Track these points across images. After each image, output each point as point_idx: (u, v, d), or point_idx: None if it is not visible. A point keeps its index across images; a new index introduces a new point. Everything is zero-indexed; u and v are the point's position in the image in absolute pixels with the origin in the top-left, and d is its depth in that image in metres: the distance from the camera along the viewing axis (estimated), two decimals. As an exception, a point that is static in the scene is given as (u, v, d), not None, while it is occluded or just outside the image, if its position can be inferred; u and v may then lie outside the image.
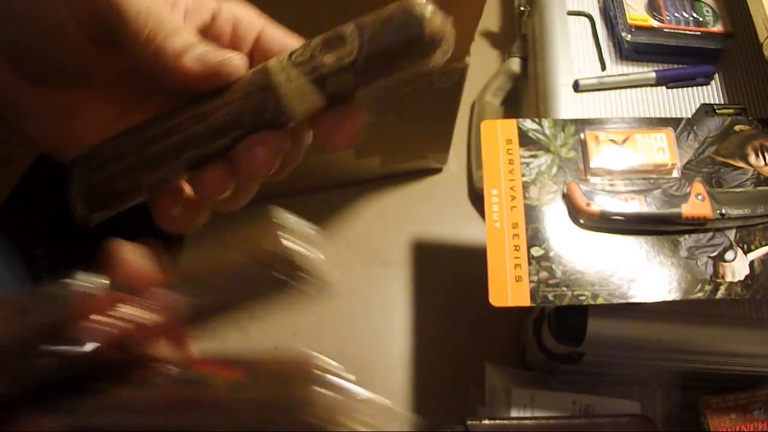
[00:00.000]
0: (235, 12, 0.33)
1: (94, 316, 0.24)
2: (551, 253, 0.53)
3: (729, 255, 0.53)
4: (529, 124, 0.58)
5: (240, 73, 0.29)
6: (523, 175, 0.56)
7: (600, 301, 0.51)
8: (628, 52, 0.68)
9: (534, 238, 0.54)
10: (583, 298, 0.51)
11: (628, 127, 0.59)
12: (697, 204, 0.54)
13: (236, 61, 0.29)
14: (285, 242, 0.25)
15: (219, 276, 0.26)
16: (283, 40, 0.31)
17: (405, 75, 0.28)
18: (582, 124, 0.59)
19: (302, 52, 0.28)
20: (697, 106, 0.64)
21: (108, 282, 0.25)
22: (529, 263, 0.53)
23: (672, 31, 0.67)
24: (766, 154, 0.57)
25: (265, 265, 0.25)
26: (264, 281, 0.26)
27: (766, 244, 0.54)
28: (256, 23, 0.33)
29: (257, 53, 0.31)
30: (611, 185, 0.56)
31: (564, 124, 0.59)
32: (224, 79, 0.28)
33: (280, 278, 0.25)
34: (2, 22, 0.30)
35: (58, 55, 0.29)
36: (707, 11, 0.68)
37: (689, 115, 0.63)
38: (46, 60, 0.30)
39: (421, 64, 0.27)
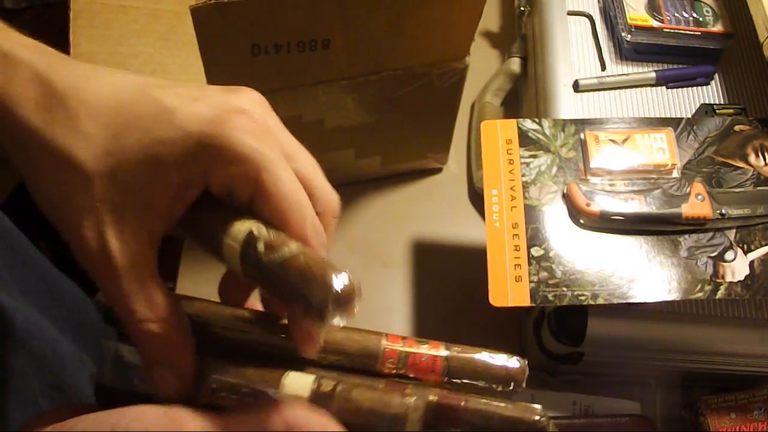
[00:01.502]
0: None
1: None
2: (551, 253, 0.53)
3: (729, 255, 0.53)
4: (529, 124, 0.58)
5: None
6: (523, 175, 0.56)
7: (600, 301, 0.51)
8: (628, 52, 0.68)
9: (534, 238, 0.54)
10: (583, 298, 0.51)
11: (628, 127, 0.59)
12: (697, 204, 0.54)
13: None
14: None
15: None
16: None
17: None
18: (582, 124, 0.59)
19: None
20: (697, 106, 0.64)
21: None
22: (529, 263, 0.53)
23: (672, 31, 0.67)
24: (766, 154, 0.57)
25: None
26: None
27: (766, 244, 0.54)
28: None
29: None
30: (611, 185, 0.56)
31: (564, 124, 0.59)
32: None
33: None
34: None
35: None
36: (707, 11, 0.68)
37: (689, 115, 0.63)
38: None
39: None
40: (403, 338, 0.34)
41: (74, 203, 0.30)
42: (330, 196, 0.34)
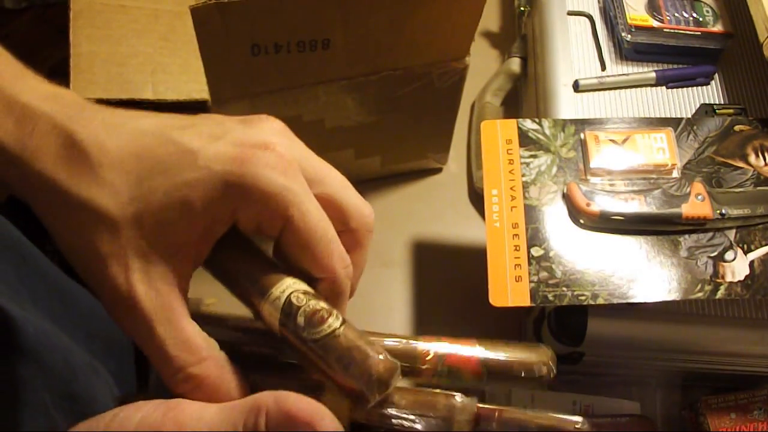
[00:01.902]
0: None
1: None
2: (551, 253, 0.53)
3: (729, 255, 0.53)
4: (529, 124, 0.58)
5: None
6: (523, 175, 0.56)
7: (600, 301, 0.51)
8: (628, 52, 0.68)
9: (534, 238, 0.54)
10: (583, 298, 0.51)
11: (628, 127, 0.59)
12: (697, 204, 0.54)
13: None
14: None
15: None
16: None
17: None
18: (582, 124, 0.59)
19: None
20: (697, 106, 0.64)
21: None
22: (529, 263, 0.53)
23: (672, 31, 0.67)
24: (766, 154, 0.57)
25: None
26: None
27: (766, 244, 0.54)
28: None
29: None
30: (611, 185, 0.56)
31: (564, 124, 0.59)
32: None
33: None
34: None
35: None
36: (707, 11, 0.68)
37: (689, 115, 0.63)
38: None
39: None
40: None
41: (100, 251, 0.29)
42: (363, 211, 0.34)
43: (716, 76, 0.67)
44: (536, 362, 0.35)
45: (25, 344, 0.43)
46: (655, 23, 0.67)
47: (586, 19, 0.70)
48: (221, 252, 0.32)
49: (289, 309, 0.30)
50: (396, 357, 0.31)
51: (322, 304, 0.31)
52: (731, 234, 0.54)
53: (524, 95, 0.76)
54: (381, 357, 0.29)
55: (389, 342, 0.34)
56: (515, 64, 0.77)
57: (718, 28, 0.67)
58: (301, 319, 0.30)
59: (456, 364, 0.34)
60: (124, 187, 0.30)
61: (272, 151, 0.31)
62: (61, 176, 0.30)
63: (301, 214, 0.31)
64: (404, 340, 0.35)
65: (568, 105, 0.64)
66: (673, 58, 0.67)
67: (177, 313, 0.30)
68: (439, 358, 0.34)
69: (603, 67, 0.67)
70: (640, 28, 0.67)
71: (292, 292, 0.31)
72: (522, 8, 0.77)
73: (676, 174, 0.56)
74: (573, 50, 0.68)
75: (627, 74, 0.66)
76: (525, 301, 0.52)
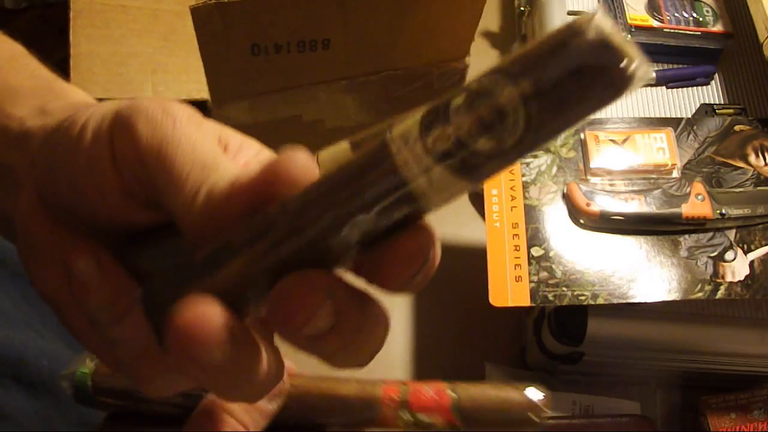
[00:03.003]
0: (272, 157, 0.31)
1: None
2: (551, 253, 0.53)
3: (729, 255, 0.53)
4: (529, 124, 0.58)
5: (311, 167, 0.23)
6: (523, 175, 0.56)
7: (600, 301, 0.51)
8: (628, 52, 0.68)
9: (534, 238, 0.54)
10: (583, 298, 0.51)
11: (628, 127, 0.59)
12: (697, 204, 0.54)
13: (303, 153, 0.23)
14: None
15: None
16: None
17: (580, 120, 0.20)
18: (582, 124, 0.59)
19: (441, 134, 0.19)
20: (697, 106, 0.64)
21: None
22: (529, 263, 0.53)
23: (672, 31, 0.67)
24: (766, 154, 0.57)
25: None
26: None
27: (766, 244, 0.54)
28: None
29: None
30: (611, 185, 0.56)
31: (564, 124, 0.59)
32: (286, 180, 0.22)
33: None
34: (42, 172, 0.28)
35: (93, 212, 0.27)
36: (707, 11, 0.68)
37: (689, 115, 0.63)
38: (78, 213, 0.28)
39: (607, 104, 0.19)
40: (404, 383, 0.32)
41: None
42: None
43: (716, 76, 0.67)
44: (518, 403, 0.31)
45: (40, 378, 0.42)
46: (655, 23, 0.67)
47: (586, 19, 0.70)
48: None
49: None
50: (353, 405, 0.28)
51: None
52: (731, 234, 0.54)
53: (524, 95, 0.76)
54: None
55: (344, 388, 0.31)
56: (515, 64, 0.77)
57: (718, 28, 0.67)
58: None
59: (423, 410, 0.30)
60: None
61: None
62: None
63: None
64: (361, 385, 0.31)
65: (568, 105, 0.64)
66: (673, 58, 0.67)
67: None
68: (401, 404, 0.30)
69: (603, 67, 0.67)
70: (640, 28, 0.67)
71: None
72: (522, 8, 0.77)
73: (676, 174, 0.56)
74: (573, 50, 0.68)
75: (627, 74, 0.66)
76: (525, 301, 0.52)
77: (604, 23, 0.18)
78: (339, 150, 0.25)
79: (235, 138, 0.29)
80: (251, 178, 0.23)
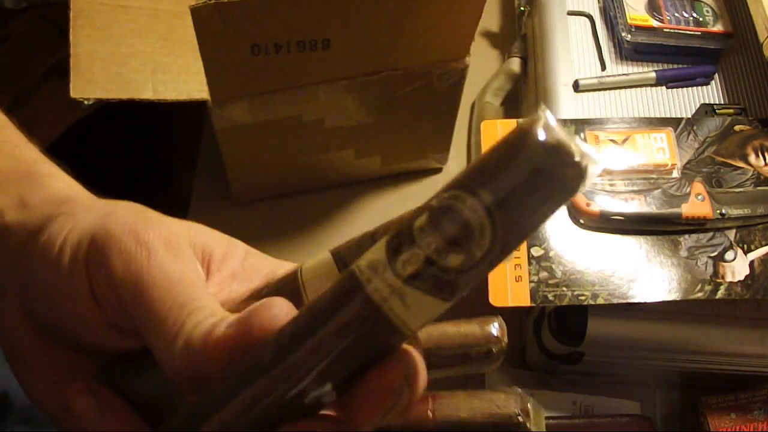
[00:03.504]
0: (260, 261, 0.29)
1: None
2: (551, 253, 0.53)
3: (729, 255, 0.53)
4: (529, 124, 0.58)
5: (284, 318, 0.22)
6: (523, 175, 0.56)
7: (600, 301, 0.51)
8: (628, 52, 0.68)
9: (534, 238, 0.54)
10: (583, 298, 0.51)
11: (628, 127, 0.59)
12: (697, 204, 0.54)
13: (278, 304, 0.23)
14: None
15: None
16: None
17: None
18: (582, 124, 0.59)
19: (409, 257, 0.19)
20: (697, 106, 0.64)
21: None
22: (529, 263, 0.53)
23: (672, 31, 0.67)
24: (766, 154, 0.57)
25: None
26: None
27: (766, 244, 0.54)
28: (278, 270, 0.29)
29: None
30: (611, 185, 0.56)
31: (564, 124, 0.59)
32: (258, 333, 0.22)
33: None
34: (24, 288, 0.28)
35: (78, 335, 0.27)
36: (707, 11, 0.68)
37: (689, 115, 0.63)
38: (63, 332, 0.28)
39: (565, 201, 0.19)
40: None
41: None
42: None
43: (716, 76, 0.67)
44: (477, 338, 0.29)
45: (13, 409, 0.42)
46: (655, 23, 0.67)
47: (586, 19, 0.70)
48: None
49: None
50: None
51: None
52: (731, 234, 0.54)
53: (524, 95, 0.76)
54: None
55: None
56: (515, 64, 0.77)
57: (718, 28, 0.67)
58: None
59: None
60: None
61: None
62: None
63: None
64: None
65: (568, 105, 0.64)
66: (673, 58, 0.67)
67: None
68: None
69: (603, 67, 0.67)
70: (640, 28, 0.67)
71: None
72: (522, 8, 0.77)
73: (676, 174, 0.56)
74: (573, 50, 0.68)
75: (627, 74, 0.66)
76: (525, 301, 0.52)
77: (551, 124, 0.18)
78: (322, 264, 0.25)
79: (219, 246, 0.29)
80: (224, 335, 0.23)
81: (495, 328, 0.29)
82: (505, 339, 0.30)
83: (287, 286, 0.27)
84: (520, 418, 0.29)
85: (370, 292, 0.19)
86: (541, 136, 0.18)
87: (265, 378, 0.20)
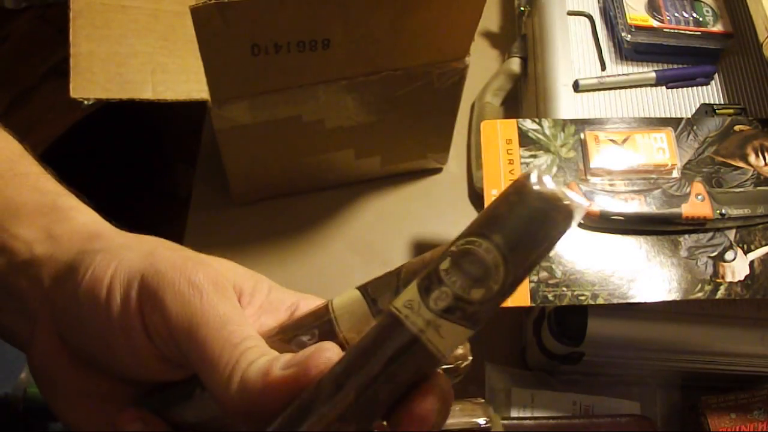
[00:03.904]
0: (283, 294, 0.31)
1: None
2: (551, 253, 0.53)
3: (729, 255, 0.53)
4: (529, 124, 0.58)
5: (336, 360, 0.25)
6: (523, 175, 0.56)
7: (600, 301, 0.51)
8: (628, 52, 0.68)
9: (534, 238, 0.54)
10: (583, 298, 0.51)
11: (628, 127, 0.59)
12: (697, 204, 0.54)
13: (331, 348, 0.26)
14: None
15: None
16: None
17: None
18: (582, 124, 0.59)
19: (439, 295, 0.23)
20: (697, 106, 0.64)
21: None
22: (529, 263, 0.53)
23: (672, 31, 0.67)
24: (766, 154, 0.57)
25: None
26: None
27: (766, 244, 0.54)
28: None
29: None
30: (611, 185, 0.56)
31: (564, 124, 0.59)
32: (315, 373, 0.25)
33: None
34: (66, 320, 0.29)
35: (125, 367, 0.29)
36: (707, 11, 0.68)
37: (689, 115, 0.63)
38: (107, 363, 0.29)
39: (562, 235, 0.24)
40: None
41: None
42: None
43: (716, 76, 0.67)
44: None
45: None
46: (655, 23, 0.67)
47: (586, 19, 0.70)
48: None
49: None
50: None
51: None
52: (731, 234, 0.54)
53: (524, 95, 0.76)
54: None
55: None
56: (515, 64, 0.77)
57: (718, 28, 0.67)
58: None
59: None
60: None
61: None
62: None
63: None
64: None
65: (568, 105, 0.64)
66: (673, 58, 0.67)
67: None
68: None
69: (603, 67, 0.67)
70: (640, 28, 0.67)
71: None
72: (522, 8, 0.77)
73: (676, 174, 0.56)
74: (573, 50, 0.68)
75: (627, 74, 0.66)
76: (525, 301, 0.52)
77: (541, 175, 0.23)
78: (352, 300, 0.28)
79: (247, 281, 0.31)
80: (283, 376, 0.25)
81: (461, 346, 0.33)
82: (470, 356, 0.34)
83: (319, 320, 0.29)
84: (486, 425, 0.32)
85: (409, 326, 0.23)
86: (536, 187, 0.23)
87: (327, 407, 0.24)
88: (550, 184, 0.23)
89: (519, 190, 0.23)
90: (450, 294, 0.23)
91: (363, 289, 0.29)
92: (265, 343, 0.27)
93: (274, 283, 0.31)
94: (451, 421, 0.32)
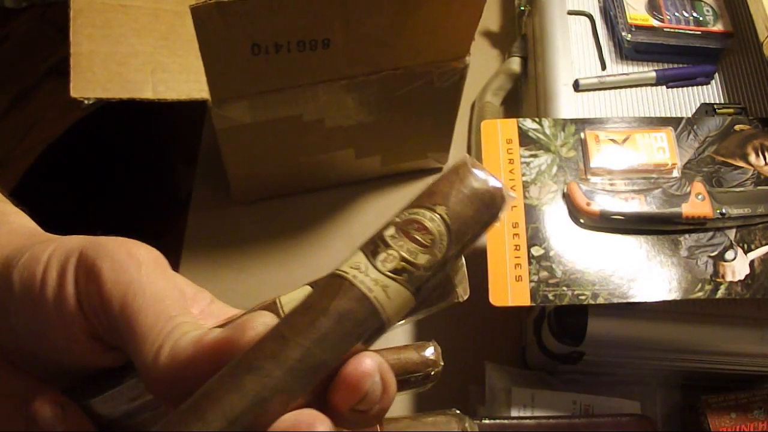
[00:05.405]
0: (225, 308, 0.30)
1: None
2: (551, 253, 0.53)
3: (729, 254, 0.53)
4: (529, 123, 0.58)
5: (270, 323, 0.23)
6: (523, 175, 0.56)
7: (600, 300, 0.51)
8: (628, 52, 0.68)
9: (534, 237, 0.54)
10: (583, 297, 0.51)
11: (628, 127, 0.59)
12: (697, 203, 0.54)
13: (268, 314, 0.24)
14: None
15: None
16: None
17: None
18: (582, 123, 0.59)
19: (387, 257, 0.23)
20: (697, 105, 0.64)
21: None
22: (529, 263, 0.53)
23: (672, 30, 0.67)
24: (766, 153, 0.57)
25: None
26: None
27: (766, 244, 0.54)
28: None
29: None
30: (611, 185, 0.56)
31: (564, 123, 0.59)
32: (251, 335, 0.23)
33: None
34: (3, 334, 0.28)
35: (54, 354, 0.27)
36: (707, 11, 0.68)
37: (689, 115, 0.63)
38: (34, 355, 0.28)
39: (498, 214, 0.25)
40: None
41: None
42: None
43: (716, 75, 0.67)
44: (416, 363, 0.33)
45: None
46: (656, 23, 0.67)
47: (587, 19, 0.70)
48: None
49: None
50: None
51: None
52: (731, 233, 0.54)
53: (524, 95, 0.76)
54: None
55: None
56: (515, 63, 0.77)
57: (718, 27, 0.67)
58: None
59: None
60: None
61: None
62: None
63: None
64: None
65: (568, 104, 0.64)
66: (673, 58, 0.67)
67: None
68: None
69: (603, 67, 0.67)
70: (640, 28, 0.67)
71: None
72: (522, 8, 0.77)
73: (676, 173, 0.56)
74: (573, 50, 0.68)
75: (627, 74, 0.66)
76: (525, 301, 0.52)
77: (475, 162, 0.25)
78: (302, 293, 0.27)
79: (189, 287, 0.29)
80: (216, 338, 0.23)
81: (431, 352, 0.34)
82: (441, 362, 0.34)
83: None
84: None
85: (358, 285, 0.23)
86: (475, 169, 0.25)
87: (271, 365, 0.22)
88: (484, 170, 0.25)
89: (459, 171, 0.25)
90: (397, 256, 0.23)
91: (313, 284, 0.28)
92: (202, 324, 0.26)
93: (217, 300, 0.30)
94: None
